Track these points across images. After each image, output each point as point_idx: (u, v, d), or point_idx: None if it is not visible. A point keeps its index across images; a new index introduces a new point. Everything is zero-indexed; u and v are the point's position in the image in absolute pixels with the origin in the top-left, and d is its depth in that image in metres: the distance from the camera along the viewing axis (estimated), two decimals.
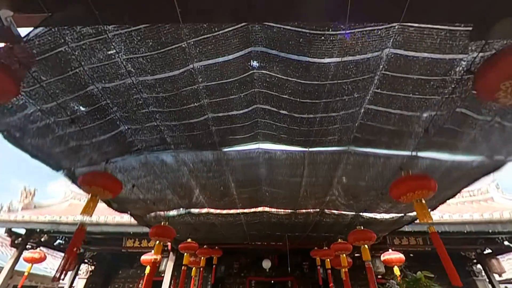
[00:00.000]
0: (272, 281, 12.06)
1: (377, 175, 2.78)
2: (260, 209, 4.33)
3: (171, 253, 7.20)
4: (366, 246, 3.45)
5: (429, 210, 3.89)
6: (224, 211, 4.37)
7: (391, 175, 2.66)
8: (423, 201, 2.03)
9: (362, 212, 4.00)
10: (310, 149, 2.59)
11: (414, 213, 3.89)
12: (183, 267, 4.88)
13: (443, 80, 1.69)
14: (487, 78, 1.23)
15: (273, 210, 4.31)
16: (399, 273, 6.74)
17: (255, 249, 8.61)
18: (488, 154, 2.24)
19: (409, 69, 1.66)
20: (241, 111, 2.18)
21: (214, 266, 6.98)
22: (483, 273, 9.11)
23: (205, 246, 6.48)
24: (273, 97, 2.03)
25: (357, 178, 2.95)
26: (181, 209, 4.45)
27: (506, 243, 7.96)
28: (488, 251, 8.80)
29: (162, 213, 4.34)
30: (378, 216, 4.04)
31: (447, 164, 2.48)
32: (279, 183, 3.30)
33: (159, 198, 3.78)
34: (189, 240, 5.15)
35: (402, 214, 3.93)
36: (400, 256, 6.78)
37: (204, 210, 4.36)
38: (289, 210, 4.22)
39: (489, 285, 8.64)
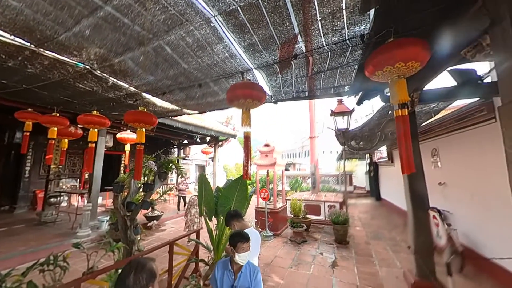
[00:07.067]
0: None
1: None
2: None
3: None
4: (143, 129, 2.83)
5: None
6: None
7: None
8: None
9: (147, 93, 3.29)
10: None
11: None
12: None
13: None
14: None
15: None
16: (129, 148, 7.17)
17: None
18: None
19: None
20: None
21: None
22: (176, 153, 13.13)
23: None
24: None
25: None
26: None
27: (198, 140, 11.98)
28: (185, 142, 12.67)
29: None
30: (158, 102, 3.60)
31: None
32: None
33: None
34: None
35: (180, 108, 3.92)
36: (134, 136, 7.01)
37: None
38: (30, 44, 2.11)
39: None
